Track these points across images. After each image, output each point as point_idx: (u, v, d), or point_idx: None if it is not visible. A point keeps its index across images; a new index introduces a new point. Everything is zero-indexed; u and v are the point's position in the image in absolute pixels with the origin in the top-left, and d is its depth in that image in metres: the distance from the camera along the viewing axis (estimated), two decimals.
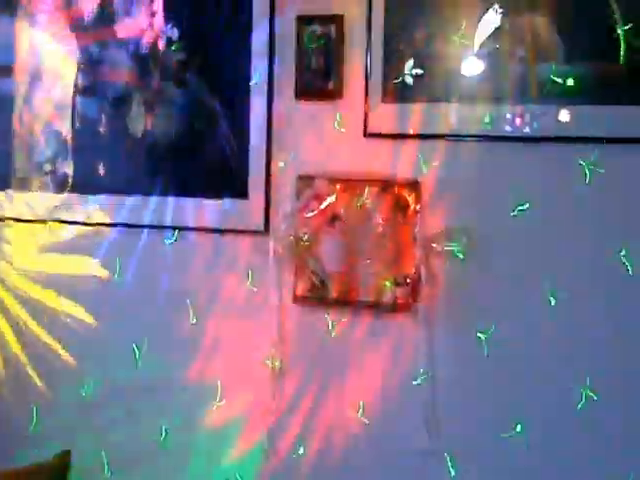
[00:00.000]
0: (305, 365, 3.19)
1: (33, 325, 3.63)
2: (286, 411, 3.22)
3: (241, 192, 3.29)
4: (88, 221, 3.53)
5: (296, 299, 3.19)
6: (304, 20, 3.16)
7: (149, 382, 3.41)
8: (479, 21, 2.95)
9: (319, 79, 3.14)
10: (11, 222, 3.66)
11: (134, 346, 3.43)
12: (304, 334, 3.19)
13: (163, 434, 3.40)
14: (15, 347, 3.66)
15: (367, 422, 3.12)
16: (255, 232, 3.27)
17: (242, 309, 3.28)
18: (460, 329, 2.99)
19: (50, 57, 3.60)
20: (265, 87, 3.23)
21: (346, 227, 3.11)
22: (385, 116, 3.07)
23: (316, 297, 3.16)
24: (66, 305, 3.57)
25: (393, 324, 3.06)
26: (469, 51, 2.96)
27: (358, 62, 3.10)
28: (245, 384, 3.28)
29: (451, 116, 3.01)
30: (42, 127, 3.62)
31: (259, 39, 3.24)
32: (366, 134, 3.09)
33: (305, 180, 3.17)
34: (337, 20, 3.12)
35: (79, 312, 3.55)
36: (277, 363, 3.21)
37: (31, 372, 3.63)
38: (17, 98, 3.67)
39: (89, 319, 3.53)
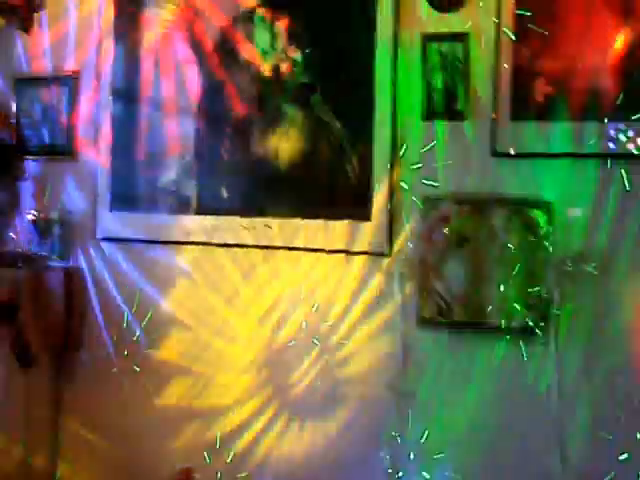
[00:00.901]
0: (430, 387, 3.13)
1: None
2: (411, 437, 3.15)
3: (365, 214, 3.25)
4: (209, 241, 3.53)
5: (421, 322, 3.13)
6: (429, 39, 3.11)
7: None
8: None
9: (445, 99, 3.10)
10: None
11: None
12: (429, 357, 3.13)
13: None
14: None
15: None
16: (378, 254, 3.22)
17: (366, 331, 3.23)
18: (593, 353, 2.89)
19: (173, 82, 3.62)
20: (389, 108, 3.19)
21: (474, 249, 3.04)
22: (514, 135, 3.00)
23: (442, 320, 3.10)
24: None
25: (524, 348, 2.97)
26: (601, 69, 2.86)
27: (486, 81, 3.03)
28: (369, 407, 3.22)
29: (582, 135, 2.92)
30: (166, 151, 3.64)
31: (383, 59, 3.20)
32: (494, 154, 3.02)
33: (431, 201, 3.12)
34: (463, 38, 3.07)
35: None
36: (402, 386, 3.15)
37: None
38: (142, 123, 3.70)
39: None
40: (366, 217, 3.26)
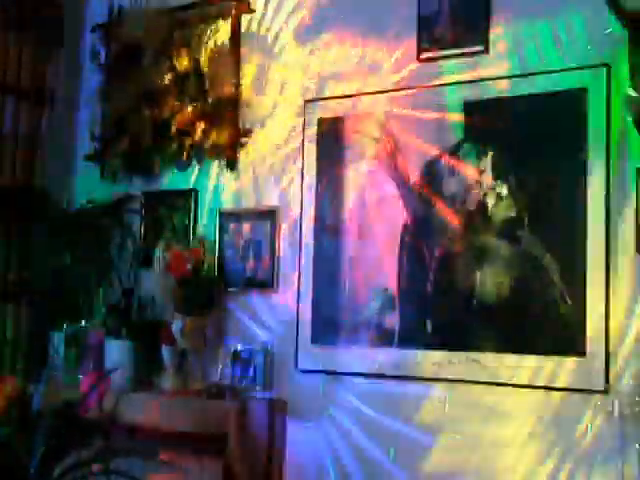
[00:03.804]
0: None
1: None
2: None
3: (579, 349, 3.16)
4: (411, 374, 3.54)
5: None
6: None
7: None
8: None
9: None
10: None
11: None
12: None
13: None
14: None
15: None
16: (595, 391, 3.12)
17: (581, 471, 3.10)
18: None
19: (376, 216, 3.68)
20: (603, 243, 3.15)
21: None
22: None
23: None
24: None
25: None
26: None
27: None
28: None
29: None
30: (369, 283, 3.68)
31: (594, 189, 3.17)
32: None
33: None
34: None
35: None
36: None
37: None
38: (344, 256, 3.76)
39: None
40: (581, 352, 3.15)
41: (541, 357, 3.26)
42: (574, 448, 3.16)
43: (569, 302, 3.21)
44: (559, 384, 3.21)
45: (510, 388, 3.32)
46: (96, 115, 4.60)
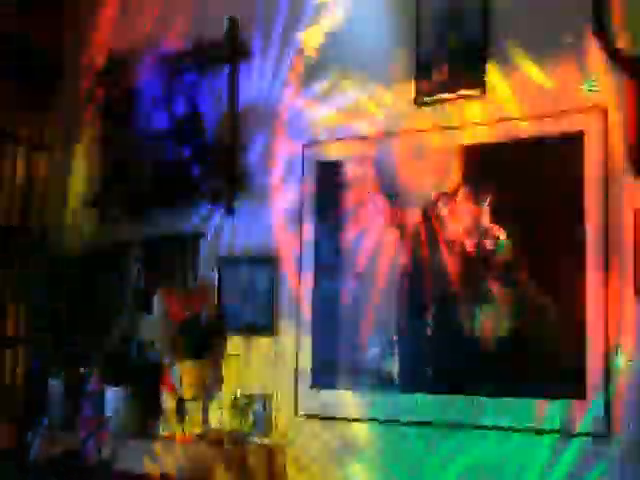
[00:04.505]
0: None
1: None
2: None
3: (579, 393, 3.15)
4: (413, 419, 3.51)
5: None
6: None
7: None
8: None
9: None
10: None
11: None
12: None
13: None
14: None
15: None
16: (595, 435, 3.10)
17: None
18: None
19: (375, 259, 3.68)
20: (602, 278, 3.14)
21: None
22: None
23: None
24: None
25: None
26: None
27: None
28: None
29: None
30: (369, 327, 3.67)
31: (592, 232, 3.20)
32: None
33: None
34: None
35: None
36: None
37: None
38: (343, 299, 3.76)
39: None
40: (580, 394, 3.14)
41: (540, 400, 3.23)
42: None
43: (568, 346, 3.19)
44: (555, 426, 3.20)
45: (509, 432, 3.26)
46: (95, 160, 4.60)
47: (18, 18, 4.45)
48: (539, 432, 3.23)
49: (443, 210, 3.54)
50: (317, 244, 3.89)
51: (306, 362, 3.83)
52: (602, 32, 3.15)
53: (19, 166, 4.47)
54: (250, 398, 3.89)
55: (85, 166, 4.72)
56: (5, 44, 4.35)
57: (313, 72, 3.99)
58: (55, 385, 4.15)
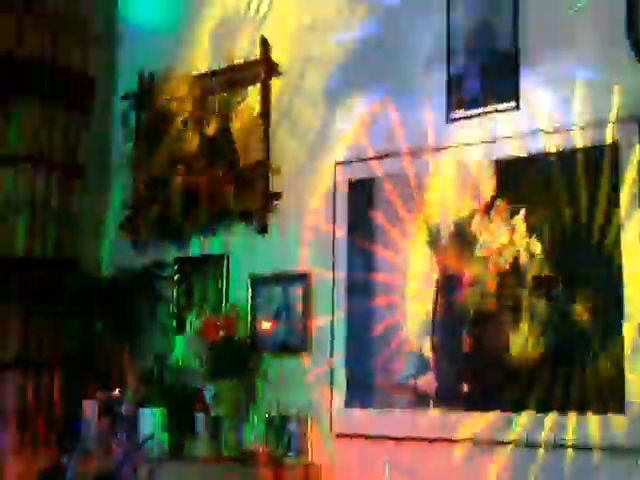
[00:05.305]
0: None
1: None
2: None
3: (619, 407, 3.10)
4: (450, 437, 3.48)
5: None
6: None
7: None
8: None
9: None
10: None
11: None
12: None
13: None
14: None
15: None
16: (638, 450, 3.04)
17: None
18: None
19: (408, 274, 3.66)
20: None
21: None
22: None
23: None
24: None
25: None
26: None
27: None
28: None
29: None
30: (403, 344, 3.64)
31: (629, 243, 3.17)
32: None
33: None
34: None
35: None
36: None
37: None
38: (377, 317, 3.74)
39: None
40: (619, 410, 3.11)
41: (580, 416, 3.18)
42: None
43: (607, 359, 3.14)
44: (600, 443, 3.13)
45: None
46: (127, 183, 4.63)
47: (50, 36, 4.47)
48: (580, 448, 3.17)
49: (477, 226, 3.51)
50: (350, 262, 3.86)
51: (341, 380, 3.80)
52: (636, 42, 3.12)
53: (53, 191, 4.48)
54: (285, 418, 3.86)
55: (117, 188, 4.73)
56: (37, 63, 4.38)
57: (345, 88, 3.97)
58: (90, 407, 4.14)
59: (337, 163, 3.95)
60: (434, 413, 3.56)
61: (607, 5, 3.29)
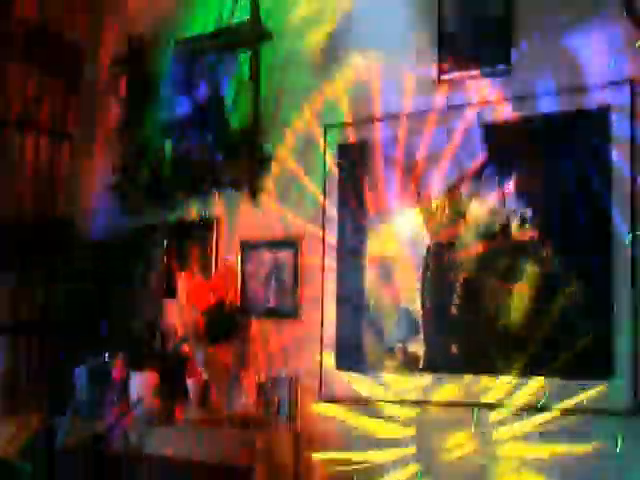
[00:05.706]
0: None
1: None
2: None
3: (606, 369, 3.13)
4: (440, 400, 3.51)
5: None
6: None
7: None
8: None
9: None
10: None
11: None
12: None
13: None
14: None
15: None
16: (623, 412, 3.10)
17: None
18: None
19: (400, 240, 3.65)
20: (629, 255, 3.12)
21: None
22: None
23: None
24: None
25: None
26: None
27: None
28: None
29: None
30: (393, 308, 3.65)
31: (619, 206, 3.17)
32: None
33: None
34: None
35: None
36: None
37: None
38: (366, 281, 3.74)
39: None
40: (607, 372, 3.14)
41: (567, 381, 3.22)
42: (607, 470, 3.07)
43: (595, 321, 3.15)
44: (583, 405, 3.18)
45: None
46: (116, 147, 4.60)
47: (39, 2, 4.43)
48: (566, 410, 3.19)
49: (468, 189, 3.50)
50: (341, 226, 3.85)
51: (331, 345, 3.81)
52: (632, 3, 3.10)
53: (42, 153, 4.46)
54: (275, 382, 3.86)
55: (107, 152, 4.70)
56: (25, 29, 4.34)
57: (334, 52, 3.95)
58: (80, 371, 4.14)
59: (327, 126, 3.92)
60: (423, 376, 3.54)
61: None
